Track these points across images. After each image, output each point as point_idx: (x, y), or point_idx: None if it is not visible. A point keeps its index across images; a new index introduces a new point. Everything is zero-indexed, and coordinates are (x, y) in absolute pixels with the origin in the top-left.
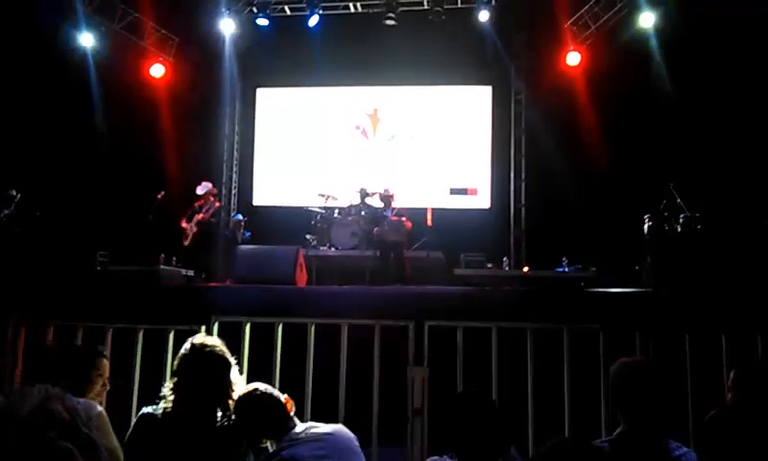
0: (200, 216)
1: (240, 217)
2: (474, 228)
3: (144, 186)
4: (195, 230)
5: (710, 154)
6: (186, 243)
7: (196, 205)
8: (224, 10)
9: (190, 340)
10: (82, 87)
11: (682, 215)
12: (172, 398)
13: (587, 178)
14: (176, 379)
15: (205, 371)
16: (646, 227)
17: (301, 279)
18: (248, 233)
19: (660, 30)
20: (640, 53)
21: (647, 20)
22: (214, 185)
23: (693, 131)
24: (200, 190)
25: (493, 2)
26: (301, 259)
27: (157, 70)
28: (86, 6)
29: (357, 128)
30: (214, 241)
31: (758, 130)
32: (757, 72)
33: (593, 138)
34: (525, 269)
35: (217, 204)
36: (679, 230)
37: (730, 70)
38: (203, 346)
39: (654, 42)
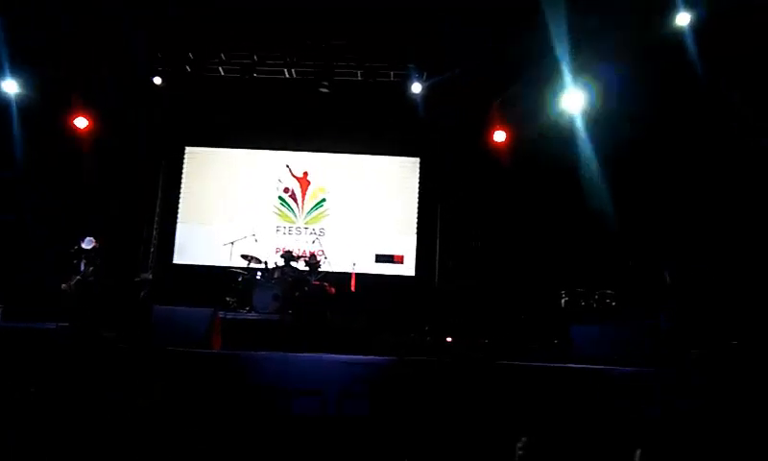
0: (80, 276)
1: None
2: (398, 295)
3: (63, 240)
4: (74, 290)
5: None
6: (65, 303)
7: (75, 261)
8: (156, 66)
9: None
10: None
11: (597, 292)
12: None
13: (509, 251)
14: None
15: None
16: (563, 301)
17: (216, 342)
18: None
19: (585, 111)
20: (565, 133)
21: (573, 101)
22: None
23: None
24: (86, 245)
25: (425, 76)
26: (218, 322)
27: (81, 122)
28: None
29: (286, 191)
30: (93, 303)
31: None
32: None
33: (515, 213)
34: (448, 339)
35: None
36: (594, 305)
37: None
38: None
39: (578, 123)
